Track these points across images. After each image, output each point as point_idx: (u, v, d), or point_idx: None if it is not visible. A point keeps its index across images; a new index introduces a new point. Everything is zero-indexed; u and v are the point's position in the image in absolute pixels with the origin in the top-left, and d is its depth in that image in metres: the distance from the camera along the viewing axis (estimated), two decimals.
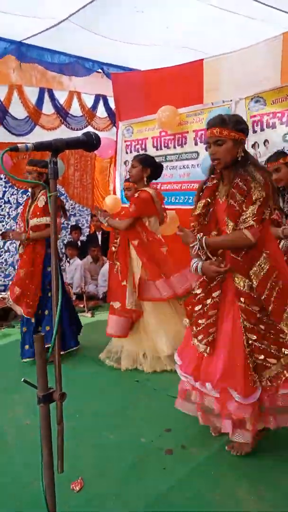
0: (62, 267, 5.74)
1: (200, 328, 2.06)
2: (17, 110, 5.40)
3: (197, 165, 4.42)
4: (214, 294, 2.03)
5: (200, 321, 2.07)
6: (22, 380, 1.20)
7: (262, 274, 1.93)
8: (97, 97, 6.23)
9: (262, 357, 1.91)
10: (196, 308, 2.09)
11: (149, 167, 3.29)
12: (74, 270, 5.60)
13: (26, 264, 3.43)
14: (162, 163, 4.73)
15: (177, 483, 1.96)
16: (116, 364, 3.33)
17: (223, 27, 4.38)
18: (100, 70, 5.72)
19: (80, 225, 6.79)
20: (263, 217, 1.93)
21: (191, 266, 2.07)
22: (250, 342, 1.93)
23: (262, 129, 3.92)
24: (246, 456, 2.13)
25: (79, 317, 3.90)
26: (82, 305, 5.16)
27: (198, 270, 2.03)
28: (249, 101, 3.98)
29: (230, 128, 1.95)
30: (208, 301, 2.04)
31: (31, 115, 5.53)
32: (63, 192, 6.54)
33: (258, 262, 1.95)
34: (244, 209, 1.92)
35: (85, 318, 4.82)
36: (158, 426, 2.44)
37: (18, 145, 1.14)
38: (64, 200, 6.51)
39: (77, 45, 5.07)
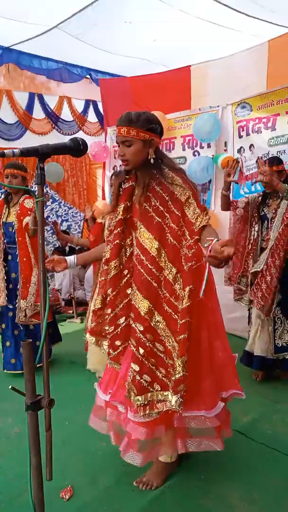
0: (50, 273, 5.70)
1: (119, 351, 1.88)
2: (7, 115, 5.38)
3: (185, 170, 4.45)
4: (125, 317, 1.85)
5: (116, 343, 1.88)
6: (10, 387, 1.19)
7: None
8: (87, 102, 6.26)
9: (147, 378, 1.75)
10: (110, 330, 1.90)
11: None
12: (62, 276, 5.58)
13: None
14: None
15: (168, 488, 1.95)
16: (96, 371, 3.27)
17: (210, 40, 4.44)
18: (87, 76, 5.75)
19: (72, 230, 6.77)
20: (207, 209, 1.78)
21: None
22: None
23: (247, 134, 3.98)
24: (236, 461, 2.13)
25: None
26: (71, 311, 5.14)
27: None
28: (235, 107, 4.05)
29: (138, 127, 1.76)
30: (121, 320, 1.86)
31: (21, 119, 5.52)
32: (57, 198, 6.53)
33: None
34: (168, 218, 1.76)
35: (75, 324, 4.80)
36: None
37: (5, 151, 1.14)
38: (57, 206, 6.48)
39: (65, 52, 5.10)
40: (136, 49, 4.78)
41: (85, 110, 6.28)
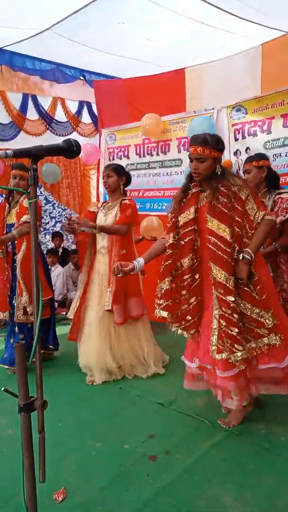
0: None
1: (189, 323, 2.37)
2: (0, 115, 5.38)
3: (181, 172, 4.46)
4: (198, 296, 2.35)
5: (188, 317, 2.36)
6: (2, 389, 1.19)
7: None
8: (81, 103, 6.26)
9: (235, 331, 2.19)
10: (183, 307, 2.36)
11: (124, 175, 3.30)
12: (56, 277, 5.56)
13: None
14: (145, 170, 4.79)
15: (161, 489, 1.95)
16: (91, 377, 3.25)
17: (203, 41, 4.47)
18: (81, 78, 5.76)
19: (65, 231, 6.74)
20: (265, 204, 2.32)
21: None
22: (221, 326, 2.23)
23: (243, 137, 4.00)
24: (230, 461, 2.14)
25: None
26: (64, 312, 5.12)
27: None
28: (230, 110, 4.06)
29: (211, 148, 2.24)
30: (192, 300, 2.33)
31: (15, 120, 5.51)
32: (51, 199, 6.51)
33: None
34: (233, 211, 2.21)
35: (68, 325, 4.78)
36: (142, 433, 2.44)
37: None
38: (51, 208, 6.46)
39: (59, 53, 5.10)
40: (129, 49, 4.79)
41: (79, 111, 6.28)
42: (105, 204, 3.41)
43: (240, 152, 4.06)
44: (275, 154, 3.71)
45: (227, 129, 4.12)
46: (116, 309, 3.13)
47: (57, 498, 1.90)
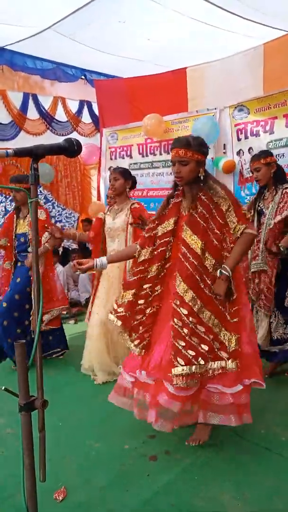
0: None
1: (138, 334, 2.23)
2: (1, 115, 5.37)
3: None
4: (154, 306, 2.22)
5: (140, 328, 2.23)
6: (3, 388, 1.19)
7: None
8: (82, 103, 6.25)
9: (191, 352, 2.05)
10: (137, 317, 2.24)
11: (130, 179, 3.32)
12: (56, 276, 5.56)
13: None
14: (148, 170, 4.79)
15: (161, 489, 1.95)
16: (95, 375, 3.26)
17: (204, 40, 4.47)
18: (82, 77, 5.75)
19: (66, 231, 6.73)
20: (247, 217, 2.15)
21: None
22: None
23: (246, 137, 4.00)
24: (229, 461, 2.14)
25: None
26: (65, 312, 5.12)
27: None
28: (233, 110, 4.06)
29: (193, 150, 2.13)
30: (148, 310, 2.21)
31: (15, 119, 5.50)
32: (50, 198, 6.50)
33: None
34: (211, 223, 2.09)
35: (69, 325, 4.79)
36: (142, 433, 2.43)
37: None
38: (51, 207, 6.45)
39: (59, 52, 5.10)
40: (130, 49, 4.79)
41: (80, 111, 6.27)
42: (110, 208, 3.43)
43: (243, 152, 4.06)
44: (278, 154, 3.71)
45: (230, 129, 4.12)
46: None
47: (57, 498, 1.90)
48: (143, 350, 2.21)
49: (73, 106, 6.22)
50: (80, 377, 3.30)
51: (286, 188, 2.92)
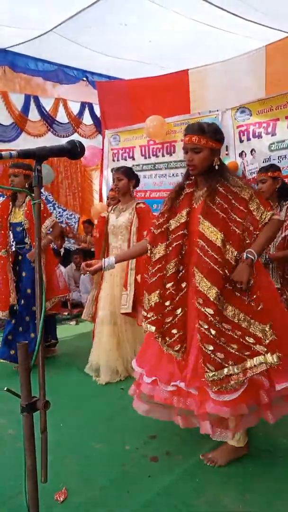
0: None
1: (175, 337, 2.04)
2: (2, 116, 5.38)
3: None
4: (182, 306, 2.04)
5: (173, 331, 2.05)
6: (5, 389, 1.19)
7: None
8: (83, 104, 6.26)
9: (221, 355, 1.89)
10: (167, 320, 2.06)
11: (134, 178, 3.33)
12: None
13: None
14: (151, 171, 4.80)
15: (162, 490, 1.95)
16: (97, 377, 3.27)
17: (206, 42, 4.47)
18: (84, 79, 5.76)
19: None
20: (271, 204, 2.04)
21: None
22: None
23: (248, 139, 4.01)
24: (230, 463, 2.13)
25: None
26: (66, 313, 5.13)
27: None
28: (235, 112, 4.07)
29: (208, 137, 1.99)
30: (178, 311, 2.04)
31: (17, 121, 5.51)
32: (51, 199, 6.51)
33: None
34: (232, 214, 1.95)
35: (70, 326, 4.79)
36: (143, 434, 2.44)
37: (2, 152, 1.14)
38: (52, 208, 6.46)
39: (61, 54, 5.11)
40: (132, 51, 4.80)
41: (81, 113, 6.28)
42: (115, 207, 3.45)
43: (245, 154, 4.07)
44: (280, 156, 3.72)
45: (232, 130, 4.13)
46: (140, 311, 3.12)
47: (58, 499, 1.91)
48: (183, 354, 2.03)
49: (74, 108, 6.23)
50: (82, 378, 3.30)
51: None
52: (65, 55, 5.12)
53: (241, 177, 2.15)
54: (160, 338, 2.07)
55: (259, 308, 1.90)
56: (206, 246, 1.94)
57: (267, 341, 1.85)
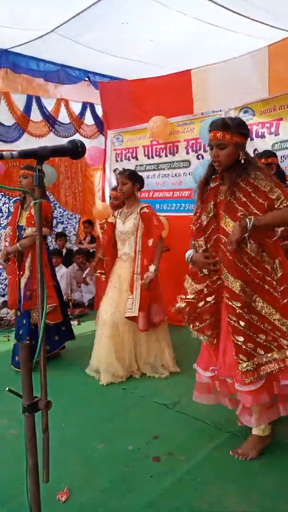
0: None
1: (206, 323, 2.17)
2: (4, 117, 5.39)
3: (189, 174, 4.47)
4: (214, 296, 2.14)
5: (205, 317, 2.17)
6: (7, 389, 1.19)
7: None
8: (84, 105, 6.26)
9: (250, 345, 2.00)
10: (200, 305, 2.17)
11: (138, 181, 3.32)
12: (60, 278, 5.58)
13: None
14: (154, 172, 4.80)
15: (165, 491, 1.95)
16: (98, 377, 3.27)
17: (208, 41, 4.47)
18: (86, 79, 5.76)
19: (67, 232, 6.76)
20: None
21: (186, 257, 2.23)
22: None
23: (251, 139, 4.00)
24: (233, 463, 2.13)
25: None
26: (68, 313, 5.13)
27: (188, 260, 2.20)
28: (238, 112, 4.05)
29: (232, 132, 2.01)
30: (209, 298, 2.14)
31: (19, 122, 5.52)
32: (52, 199, 6.51)
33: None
34: (253, 206, 1.97)
35: (72, 326, 4.79)
36: (145, 434, 2.43)
37: (3, 152, 1.14)
38: (52, 208, 6.46)
39: (63, 54, 5.11)
40: (134, 50, 4.79)
41: (82, 113, 6.29)
42: (120, 211, 3.45)
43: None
44: (283, 156, 3.71)
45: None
46: (142, 316, 3.16)
47: (61, 499, 1.91)
48: (215, 340, 2.16)
49: (76, 108, 6.24)
50: (84, 378, 3.30)
51: None
52: (67, 55, 5.12)
53: (264, 171, 2.06)
54: (189, 323, 2.22)
55: (284, 302, 1.97)
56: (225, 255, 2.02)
57: None
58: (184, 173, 4.56)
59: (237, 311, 1.98)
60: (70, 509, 1.85)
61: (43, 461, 1.26)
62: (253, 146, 3.99)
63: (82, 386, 3.20)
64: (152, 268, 3.18)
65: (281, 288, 1.99)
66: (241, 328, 1.98)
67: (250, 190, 1.99)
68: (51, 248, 6.26)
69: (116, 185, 4.10)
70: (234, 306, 1.99)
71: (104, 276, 3.50)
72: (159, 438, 2.39)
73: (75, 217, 6.94)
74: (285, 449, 2.23)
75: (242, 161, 2.03)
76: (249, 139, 3.95)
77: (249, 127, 3.89)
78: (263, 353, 1.98)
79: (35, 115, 5.71)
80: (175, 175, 4.64)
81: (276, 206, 1.97)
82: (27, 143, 5.41)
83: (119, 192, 3.39)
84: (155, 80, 4.62)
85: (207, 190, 2.18)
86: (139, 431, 2.47)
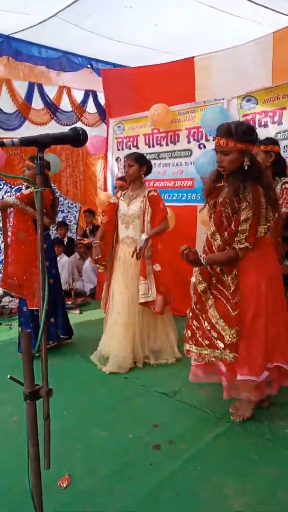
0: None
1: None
2: (6, 104, 5.33)
3: (190, 163, 4.42)
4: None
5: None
6: (8, 377, 1.20)
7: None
8: (87, 93, 6.19)
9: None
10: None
11: (145, 165, 3.29)
12: (61, 267, 5.58)
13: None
14: (155, 161, 4.76)
15: (165, 478, 1.97)
16: (102, 365, 3.28)
17: (212, 26, 4.38)
18: (89, 66, 5.68)
19: (67, 221, 6.74)
20: (257, 236, 2.12)
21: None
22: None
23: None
24: (232, 452, 2.15)
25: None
26: (70, 302, 5.15)
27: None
28: (241, 100, 4.00)
29: (236, 140, 2.03)
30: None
31: (20, 109, 5.47)
32: (54, 187, 6.48)
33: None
34: (233, 226, 2.13)
35: (74, 315, 4.81)
36: (146, 422, 2.45)
37: (4, 140, 1.13)
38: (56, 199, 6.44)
39: (65, 41, 5.03)
40: (137, 35, 4.70)
41: (85, 101, 6.22)
42: (124, 192, 3.40)
43: None
44: (286, 146, 3.66)
45: (238, 119, 4.06)
46: (160, 299, 3.16)
47: (62, 485, 1.93)
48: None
49: (78, 96, 6.17)
50: (86, 366, 3.32)
51: (285, 183, 2.86)
52: (69, 41, 5.03)
53: (256, 190, 2.09)
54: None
55: (235, 313, 2.18)
56: (207, 250, 2.26)
57: (228, 342, 2.19)
58: (185, 162, 4.50)
59: (192, 306, 2.33)
60: (71, 495, 1.88)
61: (45, 449, 1.27)
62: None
63: (84, 374, 3.22)
64: (143, 236, 3.16)
65: (234, 301, 2.19)
66: (193, 317, 2.33)
67: (236, 210, 2.11)
68: (52, 237, 6.28)
69: (122, 174, 4.05)
70: (192, 300, 2.33)
71: (102, 267, 3.44)
72: (159, 426, 2.42)
73: (76, 206, 6.91)
74: (284, 440, 2.25)
75: (246, 167, 2.07)
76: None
77: (252, 116, 3.93)
78: (194, 345, 2.32)
79: (37, 102, 5.65)
80: (176, 164, 4.59)
81: (236, 233, 2.12)
82: (28, 131, 5.36)
83: (125, 174, 3.36)
84: (158, 67, 4.55)
85: (214, 189, 2.28)
86: (140, 420, 2.49)
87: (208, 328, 2.25)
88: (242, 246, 2.12)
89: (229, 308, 2.20)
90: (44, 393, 1.23)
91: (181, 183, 4.53)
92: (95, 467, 2.07)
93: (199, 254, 2.19)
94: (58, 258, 5.57)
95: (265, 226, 2.13)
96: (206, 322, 2.28)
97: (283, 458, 2.10)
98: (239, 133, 2.03)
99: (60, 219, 6.56)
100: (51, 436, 1.28)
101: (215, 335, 2.23)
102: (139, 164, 3.23)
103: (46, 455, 1.28)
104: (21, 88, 5.46)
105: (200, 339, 2.29)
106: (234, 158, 2.07)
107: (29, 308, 3.43)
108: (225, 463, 2.07)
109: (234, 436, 2.29)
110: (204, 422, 2.44)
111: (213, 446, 2.21)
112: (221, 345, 2.20)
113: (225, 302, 2.22)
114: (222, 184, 2.26)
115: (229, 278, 2.21)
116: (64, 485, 1.93)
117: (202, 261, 2.17)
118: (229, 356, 2.19)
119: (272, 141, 2.96)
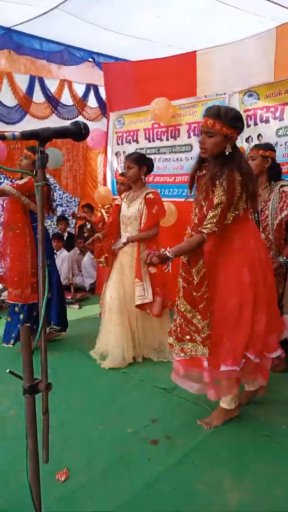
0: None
1: None
2: (7, 98, 5.31)
3: (191, 158, 4.40)
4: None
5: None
6: (8, 371, 1.20)
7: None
8: (88, 87, 6.16)
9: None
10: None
11: (145, 165, 3.26)
12: (61, 262, 5.58)
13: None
14: (155, 155, 4.74)
15: (162, 473, 1.98)
16: (100, 361, 3.29)
17: (215, 20, 4.35)
18: (90, 60, 5.64)
19: (66, 215, 6.73)
20: (225, 222, 2.05)
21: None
22: None
23: (255, 124, 3.93)
24: (229, 447, 2.16)
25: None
26: (69, 297, 5.15)
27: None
28: (242, 95, 3.98)
29: (223, 123, 1.99)
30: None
31: (21, 103, 5.44)
32: (53, 182, 6.46)
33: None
34: (204, 210, 2.08)
35: (73, 310, 4.81)
36: (144, 417, 2.46)
37: (5, 133, 1.12)
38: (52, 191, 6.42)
39: (67, 34, 4.99)
40: (139, 28, 4.66)
41: (86, 95, 6.19)
42: (127, 193, 3.41)
43: (252, 139, 3.99)
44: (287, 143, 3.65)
45: (242, 118, 4.05)
46: (157, 301, 3.16)
47: (60, 478, 1.94)
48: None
49: (79, 90, 6.14)
50: (85, 361, 3.33)
51: (282, 186, 2.91)
52: (71, 34, 5.00)
53: (232, 179, 2.04)
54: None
55: (201, 306, 2.12)
56: (186, 236, 2.21)
57: (203, 335, 2.12)
58: (186, 157, 4.48)
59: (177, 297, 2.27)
60: (69, 489, 1.88)
61: (43, 442, 1.28)
62: (257, 131, 3.93)
63: (83, 368, 3.22)
64: (123, 238, 3.21)
65: (198, 294, 2.13)
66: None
67: (210, 194, 2.05)
68: (51, 231, 6.27)
69: (123, 169, 4.05)
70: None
71: (103, 262, 3.47)
72: (157, 421, 2.43)
73: (75, 200, 6.90)
74: (281, 435, 2.26)
75: (227, 153, 2.03)
76: (253, 123, 3.94)
77: (253, 111, 3.91)
78: (177, 341, 2.25)
79: (38, 96, 5.62)
80: (177, 159, 4.57)
81: (205, 214, 2.06)
82: (29, 125, 5.33)
83: (125, 176, 3.35)
84: (159, 61, 4.52)
85: (197, 178, 2.22)
86: (138, 415, 2.50)
87: (185, 323, 2.20)
88: (211, 231, 2.02)
89: (196, 300, 2.14)
90: (43, 387, 1.23)
91: (182, 178, 4.52)
92: (93, 461, 2.08)
93: (162, 250, 2.04)
94: (58, 253, 5.58)
95: (233, 214, 2.07)
96: (179, 316, 2.23)
97: (280, 454, 2.11)
98: (228, 118, 2.01)
99: (59, 213, 6.55)
100: (49, 430, 1.28)
101: (193, 328, 2.17)
102: (139, 166, 3.21)
103: (44, 449, 1.28)
104: (22, 81, 5.43)
105: (180, 335, 2.24)
106: (217, 141, 2.02)
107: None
108: (222, 458, 2.08)
109: (231, 432, 2.30)
110: (202, 418, 2.44)
111: (210, 441, 2.22)
112: (199, 339, 2.15)
113: (194, 295, 2.16)
114: (202, 173, 2.20)
115: (194, 270, 2.11)
116: (62, 479, 1.94)
117: (168, 254, 2.01)
118: (202, 351, 2.13)
119: (270, 147, 3.01)
